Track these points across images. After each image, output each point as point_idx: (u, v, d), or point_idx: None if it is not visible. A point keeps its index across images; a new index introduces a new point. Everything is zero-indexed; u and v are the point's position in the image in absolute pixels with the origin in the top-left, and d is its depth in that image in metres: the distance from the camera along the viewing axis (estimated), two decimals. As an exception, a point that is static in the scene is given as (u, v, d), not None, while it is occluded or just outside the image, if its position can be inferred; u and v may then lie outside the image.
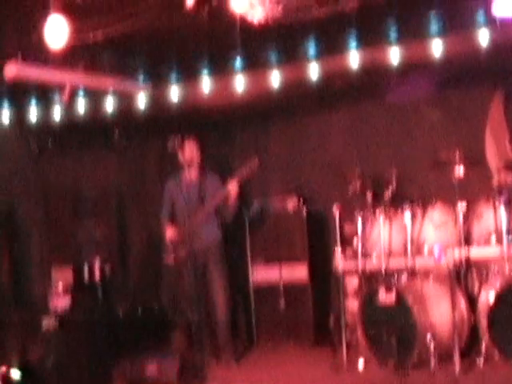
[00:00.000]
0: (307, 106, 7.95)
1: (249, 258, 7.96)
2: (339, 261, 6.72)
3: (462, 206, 6.16)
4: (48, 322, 6.75)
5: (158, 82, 7.17)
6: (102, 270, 8.22)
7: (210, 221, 7.11)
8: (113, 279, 8.42)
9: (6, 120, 7.83)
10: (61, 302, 7.54)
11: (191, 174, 7.18)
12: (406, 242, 6.41)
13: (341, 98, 7.69)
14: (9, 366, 5.96)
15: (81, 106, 7.51)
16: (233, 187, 6.90)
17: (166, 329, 7.63)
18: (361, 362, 6.17)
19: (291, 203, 7.84)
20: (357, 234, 6.65)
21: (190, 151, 7.08)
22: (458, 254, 6.14)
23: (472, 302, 6.12)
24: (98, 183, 8.77)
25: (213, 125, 8.27)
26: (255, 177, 7.19)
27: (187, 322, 7.18)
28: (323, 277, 7.71)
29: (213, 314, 7.09)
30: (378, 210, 6.61)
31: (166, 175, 7.53)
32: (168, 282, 7.93)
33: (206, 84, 7.06)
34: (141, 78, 7.08)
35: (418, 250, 6.40)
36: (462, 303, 6.12)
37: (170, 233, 7.14)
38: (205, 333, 6.95)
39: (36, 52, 5.71)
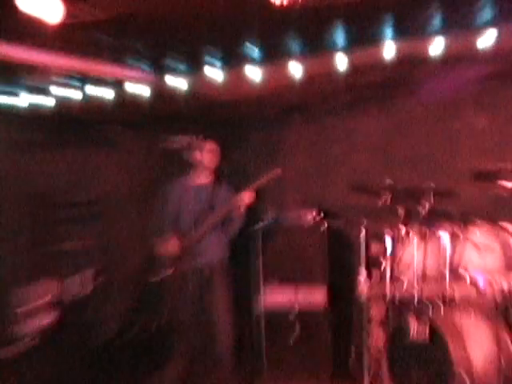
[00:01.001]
0: (332, 105, 7.66)
1: (260, 278, 7.45)
2: (364, 285, 6.35)
3: (510, 227, 5.80)
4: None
5: (163, 72, 6.78)
6: (93, 284, 7.83)
7: (216, 233, 6.69)
8: (106, 294, 8.03)
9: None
10: (44, 318, 7.11)
11: (202, 179, 6.79)
12: (443, 266, 5.98)
13: (371, 96, 7.43)
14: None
15: (75, 95, 7.09)
16: (247, 197, 6.52)
17: (162, 353, 7.21)
18: (384, 404, 6.05)
19: (310, 217, 7.41)
20: (385, 254, 6.27)
21: (209, 153, 6.70)
22: (504, 283, 5.63)
23: (520, 340, 5.95)
24: (93, 185, 8.34)
25: (223, 123, 7.91)
26: (270, 185, 6.74)
27: (186, 348, 6.72)
28: (345, 303, 7.23)
29: (215, 340, 6.61)
30: (410, 228, 6.21)
31: (170, 178, 7.06)
32: (167, 301, 7.31)
33: (218, 76, 6.73)
34: (144, 66, 6.66)
35: (457, 276, 5.93)
36: (508, 341, 5.57)
37: (169, 243, 6.65)
38: (206, 361, 6.59)
39: (28, 32, 5.37)
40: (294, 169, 8.07)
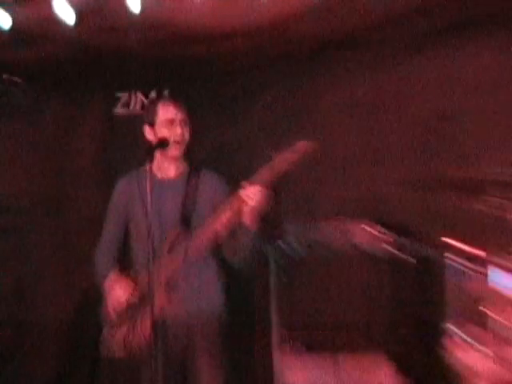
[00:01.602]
0: (379, 41, 6.61)
1: (274, 340, 6.70)
2: (457, 354, 5.65)
3: None
4: None
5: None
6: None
7: (203, 265, 5.76)
8: (13, 361, 7.29)
9: None
10: None
11: (167, 169, 5.71)
12: None
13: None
14: None
15: None
16: (252, 196, 5.42)
17: None
18: None
19: (363, 235, 6.53)
20: (492, 299, 5.66)
21: (170, 122, 5.76)
22: None
23: None
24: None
25: (210, 73, 6.94)
26: (293, 175, 5.60)
27: None
28: (425, 382, 6.47)
29: None
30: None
31: (121, 170, 6.08)
32: (113, 378, 6.73)
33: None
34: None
35: None
36: None
37: (117, 290, 5.66)
38: None
39: None
40: (333, 150, 6.90)
